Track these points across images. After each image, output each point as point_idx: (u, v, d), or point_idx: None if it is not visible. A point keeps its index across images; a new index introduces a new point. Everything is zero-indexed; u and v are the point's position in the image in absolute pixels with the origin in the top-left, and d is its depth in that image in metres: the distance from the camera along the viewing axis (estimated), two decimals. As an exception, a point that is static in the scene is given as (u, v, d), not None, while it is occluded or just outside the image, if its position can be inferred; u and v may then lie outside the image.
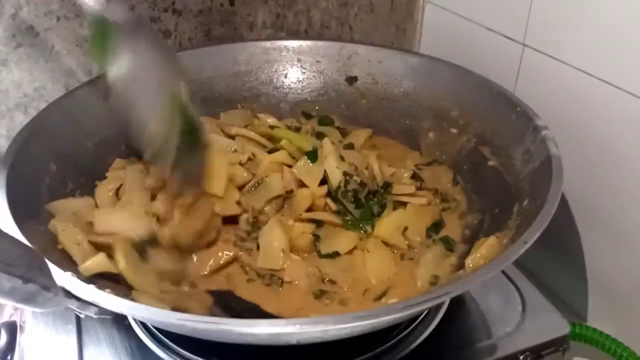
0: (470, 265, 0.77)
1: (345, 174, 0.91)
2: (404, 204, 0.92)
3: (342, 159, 0.93)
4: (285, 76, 1.11)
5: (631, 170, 0.86)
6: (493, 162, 0.91)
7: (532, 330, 0.81)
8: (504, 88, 0.94)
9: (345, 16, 1.24)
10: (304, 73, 1.11)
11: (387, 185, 0.94)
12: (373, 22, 1.26)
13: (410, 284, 0.81)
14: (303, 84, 1.11)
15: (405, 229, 0.88)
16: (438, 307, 0.82)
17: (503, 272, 0.89)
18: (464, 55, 1.07)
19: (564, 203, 0.96)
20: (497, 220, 0.84)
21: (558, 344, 0.81)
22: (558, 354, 0.81)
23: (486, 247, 0.77)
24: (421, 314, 0.80)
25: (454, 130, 0.99)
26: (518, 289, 0.87)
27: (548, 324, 0.82)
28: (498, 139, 0.91)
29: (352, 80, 1.10)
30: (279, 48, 1.11)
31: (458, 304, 0.84)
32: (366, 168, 0.96)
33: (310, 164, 0.92)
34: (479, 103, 0.96)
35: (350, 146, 1.03)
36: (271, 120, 1.07)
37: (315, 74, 1.11)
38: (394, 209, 0.91)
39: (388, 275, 0.83)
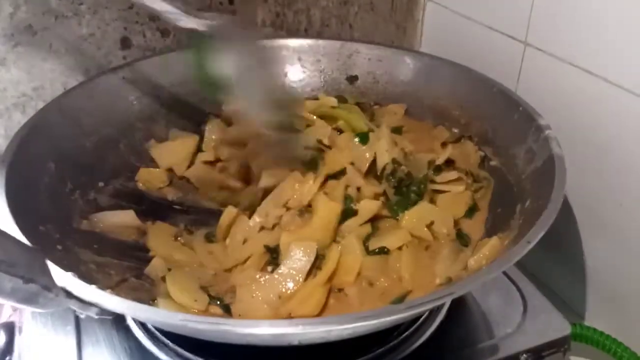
0: (473, 265, 0.77)
1: (394, 161, 0.91)
2: (440, 192, 0.91)
3: (395, 144, 0.94)
4: (286, 75, 1.11)
5: (632, 170, 0.86)
6: (495, 162, 0.91)
7: (533, 331, 0.81)
8: (506, 87, 0.94)
9: (345, 15, 1.23)
10: (304, 72, 1.11)
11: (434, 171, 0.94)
12: (373, 21, 1.26)
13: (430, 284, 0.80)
14: (303, 83, 1.11)
15: (432, 223, 0.85)
16: (440, 308, 0.82)
17: (504, 272, 0.88)
18: (465, 54, 1.07)
19: (565, 203, 0.96)
20: (499, 220, 0.84)
21: (559, 345, 0.81)
22: (559, 355, 0.81)
23: (489, 247, 0.77)
24: (423, 315, 0.80)
25: (456, 130, 0.99)
26: (519, 290, 0.87)
27: (549, 324, 0.82)
28: (500, 138, 0.91)
29: (352, 79, 1.10)
30: (279, 47, 1.10)
31: (459, 305, 0.84)
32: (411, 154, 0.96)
33: (362, 147, 0.93)
34: (480, 102, 0.96)
35: (397, 130, 1.02)
36: (333, 101, 1.07)
37: (315, 72, 1.11)
38: (431, 198, 0.90)
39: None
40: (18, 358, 0.79)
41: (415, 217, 0.85)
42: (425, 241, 0.85)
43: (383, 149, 0.92)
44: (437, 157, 0.96)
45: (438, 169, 0.94)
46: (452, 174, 0.93)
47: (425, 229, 0.85)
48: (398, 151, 0.93)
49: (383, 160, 0.91)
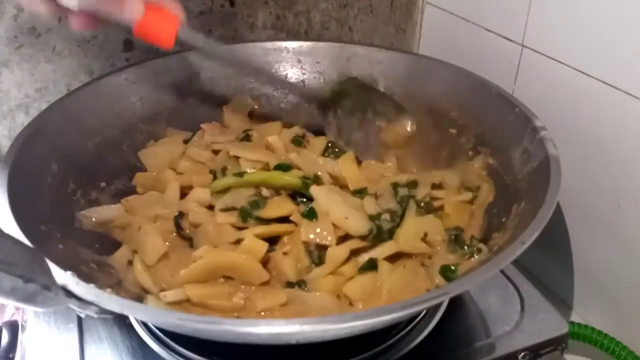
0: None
1: (372, 217, 0.84)
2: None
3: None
4: (286, 77, 1.11)
5: (629, 170, 0.86)
6: (492, 163, 0.91)
7: (530, 330, 0.81)
8: (503, 89, 0.94)
9: (345, 17, 1.24)
10: (305, 74, 1.11)
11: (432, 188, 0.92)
12: (372, 23, 1.27)
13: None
14: (303, 85, 1.11)
15: (426, 234, 0.83)
16: (437, 307, 0.83)
17: (502, 271, 0.89)
18: (463, 56, 1.07)
19: (563, 203, 0.97)
20: (496, 220, 0.84)
21: (557, 343, 0.81)
22: (557, 353, 0.81)
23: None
24: (420, 314, 0.81)
25: (453, 131, 0.99)
26: (517, 289, 0.88)
27: (547, 323, 0.82)
28: (497, 139, 0.91)
29: (352, 81, 1.10)
30: (280, 49, 1.10)
31: (457, 304, 0.84)
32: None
33: (315, 222, 0.82)
34: (478, 104, 0.96)
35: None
36: (250, 164, 0.95)
37: (315, 74, 1.11)
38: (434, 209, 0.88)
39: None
40: (21, 356, 0.79)
41: (409, 233, 0.83)
42: (423, 255, 0.82)
43: (341, 219, 0.82)
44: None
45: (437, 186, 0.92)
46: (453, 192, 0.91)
47: (422, 242, 0.82)
48: (358, 207, 0.85)
49: (358, 228, 0.82)
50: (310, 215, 0.83)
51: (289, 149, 0.99)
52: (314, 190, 0.86)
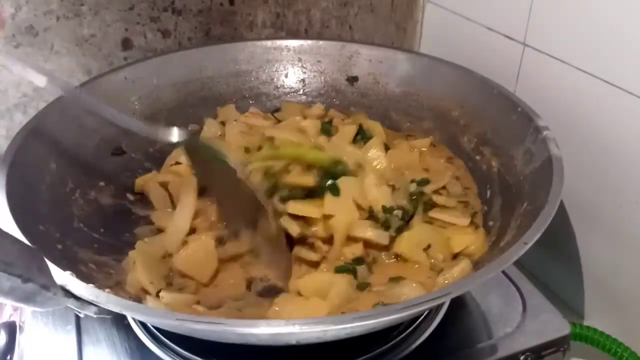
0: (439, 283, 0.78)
1: (385, 210, 0.86)
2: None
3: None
4: (286, 76, 1.11)
5: (631, 170, 0.86)
6: (494, 163, 0.91)
7: (532, 331, 0.81)
8: (505, 88, 0.94)
9: (345, 16, 1.23)
10: (305, 73, 1.11)
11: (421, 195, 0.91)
12: (373, 22, 1.26)
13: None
14: (304, 84, 1.11)
15: (429, 246, 0.82)
16: (438, 308, 0.82)
17: (503, 272, 0.88)
18: (464, 54, 1.07)
19: (565, 203, 0.96)
20: (498, 220, 0.84)
21: (558, 344, 0.81)
22: (558, 354, 0.81)
23: (459, 270, 0.77)
24: (422, 315, 0.80)
25: (455, 131, 0.99)
26: (518, 289, 0.87)
27: (548, 324, 0.82)
28: (499, 139, 0.91)
29: (353, 80, 1.10)
30: (280, 47, 1.11)
31: (459, 305, 0.84)
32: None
33: (337, 198, 0.85)
34: (479, 103, 0.96)
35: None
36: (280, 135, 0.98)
37: (316, 73, 1.11)
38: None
39: None
40: (19, 357, 0.79)
41: (414, 238, 0.83)
42: (422, 265, 0.82)
43: (362, 197, 0.86)
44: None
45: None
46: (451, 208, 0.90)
47: (423, 252, 0.82)
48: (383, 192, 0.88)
49: (381, 202, 0.86)
50: (335, 191, 0.86)
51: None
52: (345, 179, 0.88)
